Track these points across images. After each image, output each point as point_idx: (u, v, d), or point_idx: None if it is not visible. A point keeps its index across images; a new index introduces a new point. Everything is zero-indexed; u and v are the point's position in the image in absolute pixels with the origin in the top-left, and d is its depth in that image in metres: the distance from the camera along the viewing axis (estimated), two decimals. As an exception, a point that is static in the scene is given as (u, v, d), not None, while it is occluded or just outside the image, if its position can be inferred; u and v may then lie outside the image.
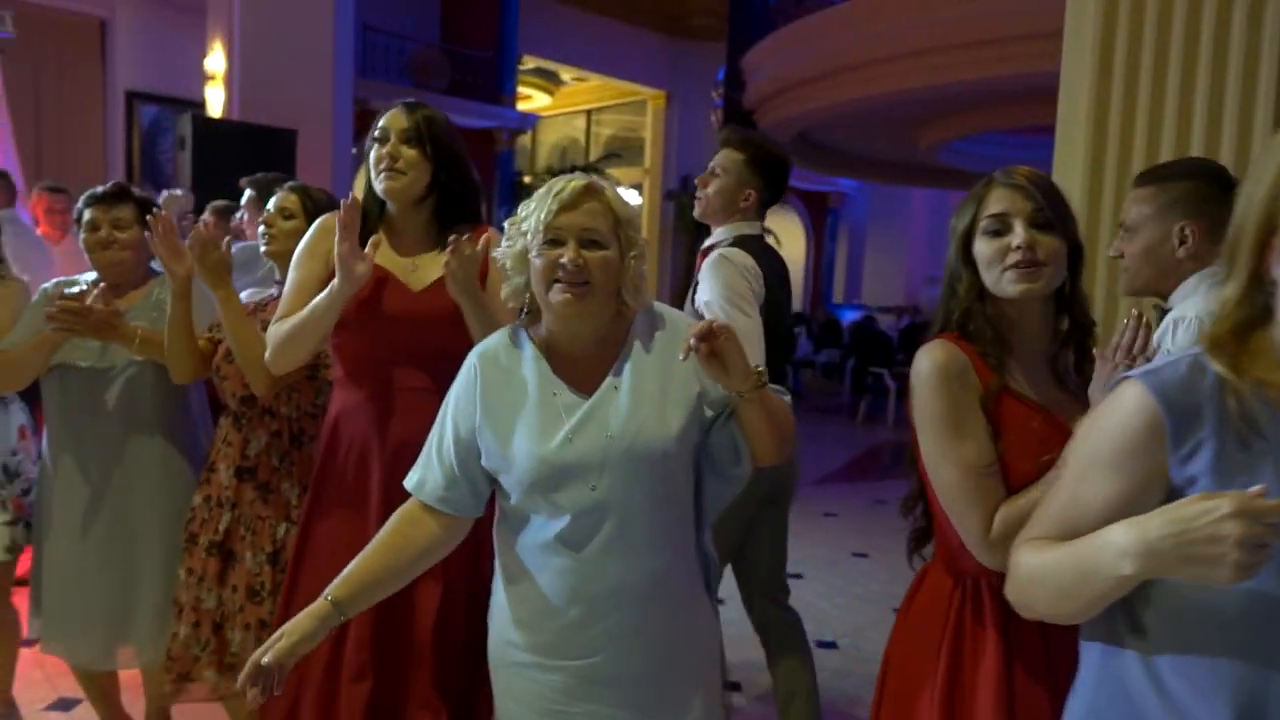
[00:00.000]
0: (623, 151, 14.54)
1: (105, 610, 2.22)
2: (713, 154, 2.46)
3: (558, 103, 15.45)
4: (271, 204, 2.18)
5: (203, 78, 6.81)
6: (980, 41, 6.27)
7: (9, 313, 2.26)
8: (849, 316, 13.30)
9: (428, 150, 1.76)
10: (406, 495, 1.43)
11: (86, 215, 2.19)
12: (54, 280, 2.33)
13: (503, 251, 1.37)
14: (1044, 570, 0.99)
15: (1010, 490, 1.24)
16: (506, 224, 1.38)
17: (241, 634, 2.03)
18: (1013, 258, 1.25)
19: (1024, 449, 1.24)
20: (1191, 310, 1.57)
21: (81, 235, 2.21)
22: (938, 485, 1.28)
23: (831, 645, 3.56)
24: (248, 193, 3.60)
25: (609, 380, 1.36)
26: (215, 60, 6.73)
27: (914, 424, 1.31)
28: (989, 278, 1.28)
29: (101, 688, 2.44)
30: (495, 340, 1.44)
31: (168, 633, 2.15)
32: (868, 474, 7.47)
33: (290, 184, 2.24)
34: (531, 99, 14.67)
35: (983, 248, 1.28)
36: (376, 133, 1.78)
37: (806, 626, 2.47)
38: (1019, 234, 1.25)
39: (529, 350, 1.39)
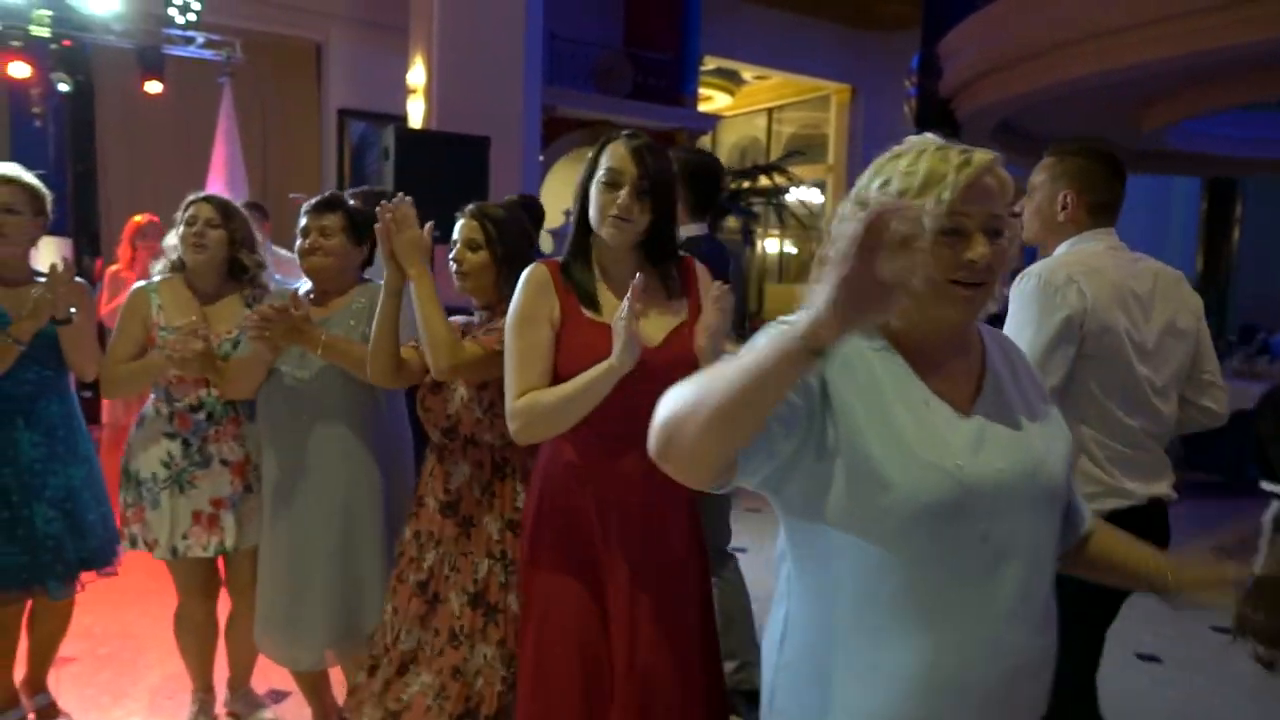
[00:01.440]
0: (805, 149, 14.11)
1: (284, 610, 2.27)
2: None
3: (738, 102, 15.26)
4: (456, 233, 2.08)
5: (405, 92, 7.15)
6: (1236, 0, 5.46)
7: None
8: (1055, 317, 12.22)
9: (657, 200, 1.70)
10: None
11: (301, 222, 2.29)
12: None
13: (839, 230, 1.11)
14: None
15: None
16: (851, 199, 1.13)
17: (430, 678, 1.94)
18: None
19: None
20: (1036, 267, 1.85)
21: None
22: None
23: (1154, 660, 3.50)
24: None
25: (986, 395, 1.10)
26: (416, 74, 7.05)
27: None
28: None
29: (311, 681, 2.50)
30: None
31: (349, 639, 2.18)
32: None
33: (469, 209, 2.11)
34: (712, 100, 14.57)
35: None
36: (604, 174, 1.67)
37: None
38: None
39: (878, 341, 1.09)
